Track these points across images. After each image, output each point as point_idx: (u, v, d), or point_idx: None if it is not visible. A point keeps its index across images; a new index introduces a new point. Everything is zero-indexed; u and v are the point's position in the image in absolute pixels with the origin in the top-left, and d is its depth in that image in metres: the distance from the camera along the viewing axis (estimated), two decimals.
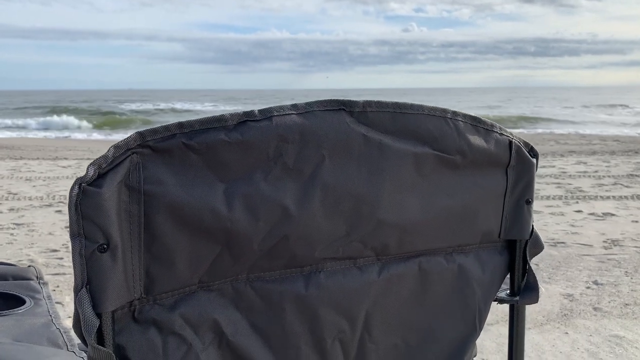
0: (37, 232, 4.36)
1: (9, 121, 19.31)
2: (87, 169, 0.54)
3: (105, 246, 0.55)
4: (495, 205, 0.80)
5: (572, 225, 4.56)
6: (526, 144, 0.81)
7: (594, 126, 16.62)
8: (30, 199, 5.61)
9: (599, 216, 4.87)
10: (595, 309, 2.88)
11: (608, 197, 5.65)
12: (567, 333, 2.58)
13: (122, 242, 0.56)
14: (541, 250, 0.83)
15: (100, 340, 0.56)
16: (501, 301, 0.84)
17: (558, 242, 4.04)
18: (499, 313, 2.71)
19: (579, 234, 4.29)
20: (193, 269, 0.62)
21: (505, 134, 0.78)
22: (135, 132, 0.57)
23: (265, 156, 0.62)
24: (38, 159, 8.77)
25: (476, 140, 0.75)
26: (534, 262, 3.61)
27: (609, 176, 6.87)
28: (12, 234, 4.27)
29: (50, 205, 5.29)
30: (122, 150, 0.56)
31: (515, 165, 0.79)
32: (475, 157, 0.75)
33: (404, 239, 0.73)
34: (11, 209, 5.10)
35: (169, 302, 0.62)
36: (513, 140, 0.79)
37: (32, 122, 18.34)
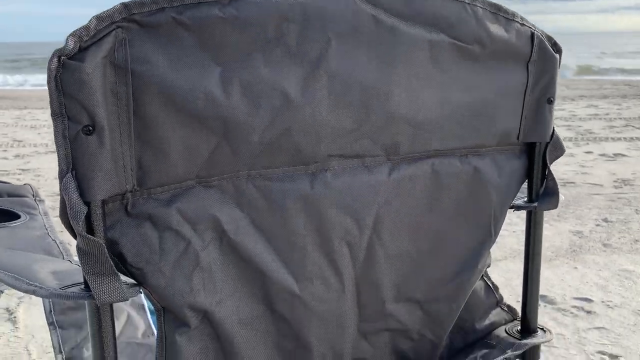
0: (43, 177, 4.36)
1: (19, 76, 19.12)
2: (67, 40, 0.49)
3: (90, 128, 0.50)
4: (514, 104, 0.74)
5: (582, 166, 4.50)
6: (549, 38, 0.74)
7: (606, 72, 16.26)
8: (35, 145, 5.59)
9: (609, 157, 4.80)
10: (604, 245, 2.85)
11: (619, 139, 5.56)
12: (576, 268, 2.56)
13: (109, 126, 0.51)
14: (562, 154, 0.78)
15: (90, 232, 0.52)
16: (518, 208, 0.79)
17: (567, 182, 3.99)
18: (506, 249, 2.69)
19: (589, 174, 4.23)
20: (189, 162, 0.57)
21: (527, 24, 0.72)
22: (120, 4, 0.51)
23: (264, 36, 0.56)
24: (42, 108, 8.70)
25: (496, 29, 0.69)
26: None
27: (620, 118, 6.74)
28: (18, 179, 4.26)
29: (55, 152, 5.26)
30: (105, 23, 0.50)
31: (537, 60, 0.73)
32: (495, 49, 0.69)
33: (417, 136, 0.68)
34: (17, 156, 5.09)
35: (164, 197, 0.57)
36: (535, 32, 0.72)
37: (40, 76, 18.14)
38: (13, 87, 14.30)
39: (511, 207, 0.79)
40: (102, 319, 0.53)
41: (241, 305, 0.63)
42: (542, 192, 0.78)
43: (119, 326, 0.95)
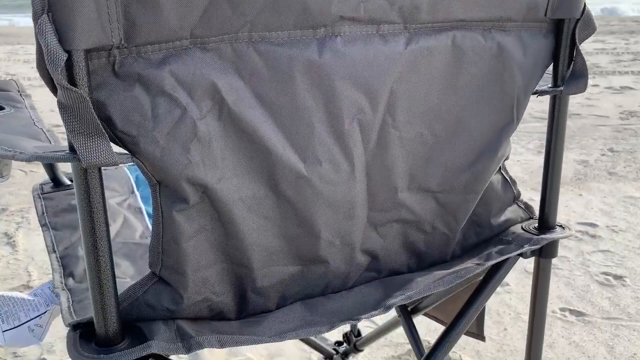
0: (38, 109, 4.25)
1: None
2: None
3: None
4: None
5: (588, 99, 4.40)
6: None
7: (615, 10, 15.78)
8: (29, 79, 5.45)
9: (616, 90, 4.70)
10: (610, 173, 2.81)
11: (626, 72, 5.43)
12: (581, 195, 2.53)
13: None
14: (593, 33, 0.71)
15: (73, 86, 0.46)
16: (542, 93, 0.73)
17: (573, 114, 3.91)
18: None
19: (595, 107, 4.15)
20: (182, 16, 0.50)
21: None
22: None
23: None
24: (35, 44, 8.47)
25: None
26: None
27: (627, 53, 6.57)
28: None
29: None
30: None
31: None
32: None
33: (438, 1, 0.61)
34: None
35: (156, 57, 0.51)
36: None
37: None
38: (2, 25, 13.91)
39: (534, 93, 0.73)
40: (90, 184, 0.48)
41: (244, 185, 0.58)
42: (569, 75, 0.72)
43: (115, 228, 0.91)
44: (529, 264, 1.92)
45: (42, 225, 0.90)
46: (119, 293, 0.54)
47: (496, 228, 0.79)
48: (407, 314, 1.11)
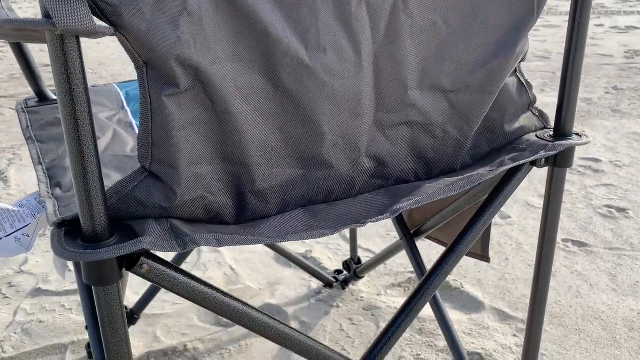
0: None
1: None
2: None
3: None
4: None
5: (592, 38, 4.29)
6: None
7: None
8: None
9: (621, 29, 4.58)
10: (614, 110, 2.76)
11: (632, 12, 5.28)
12: (584, 132, 2.48)
13: None
14: None
15: None
16: None
17: None
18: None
19: (599, 46, 4.05)
20: None
21: None
22: None
23: None
24: None
25: None
26: (551, 71, 3.43)
27: None
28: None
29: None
30: None
31: None
32: None
33: None
34: None
35: None
36: None
37: None
38: None
39: None
40: (68, 58, 0.43)
41: (239, 71, 0.53)
42: None
43: (104, 141, 0.86)
44: (531, 197, 1.89)
45: (27, 139, 0.85)
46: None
47: (509, 135, 0.74)
48: (409, 236, 1.08)
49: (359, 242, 1.60)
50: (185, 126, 0.52)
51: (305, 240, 1.65)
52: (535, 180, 2.02)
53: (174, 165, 0.52)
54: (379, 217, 0.61)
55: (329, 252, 1.59)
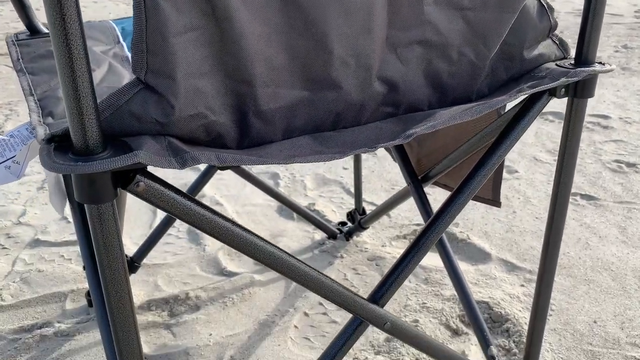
0: None
1: None
2: None
3: None
4: None
5: None
6: None
7: None
8: None
9: None
10: (623, 68, 2.69)
11: None
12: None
13: None
14: None
15: None
16: None
17: None
18: None
19: (610, 5, 3.95)
20: None
21: None
22: None
23: None
24: None
25: None
26: (559, 30, 3.34)
27: None
28: None
29: None
30: None
31: None
32: None
33: None
34: None
35: None
36: None
37: None
38: None
39: None
40: None
41: None
42: None
43: (99, 74, 0.81)
44: (539, 152, 1.85)
45: (17, 71, 0.81)
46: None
47: (528, 63, 0.70)
48: (417, 182, 1.05)
49: (364, 196, 1.57)
50: (183, 32, 0.48)
51: (308, 194, 1.62)
52: (544, 136, 1.98)
53: (171, 76, 0.48)
54: (391, 141, 0.57)
55: (332, 205, 1.56)
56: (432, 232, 0.74)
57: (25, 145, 0.66)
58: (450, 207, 0.74)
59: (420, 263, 1.29)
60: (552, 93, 0.70)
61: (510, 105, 0.74)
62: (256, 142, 0.58)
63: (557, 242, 0.82)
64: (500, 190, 1.00)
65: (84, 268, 0.82)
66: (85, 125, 0.45)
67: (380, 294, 0.72)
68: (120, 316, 0.52)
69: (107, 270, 0.49)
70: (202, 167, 1.36)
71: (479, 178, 0.74)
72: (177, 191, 0.51)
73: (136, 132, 0.50)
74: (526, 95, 0.68)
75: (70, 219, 1.48)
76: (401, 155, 1.06)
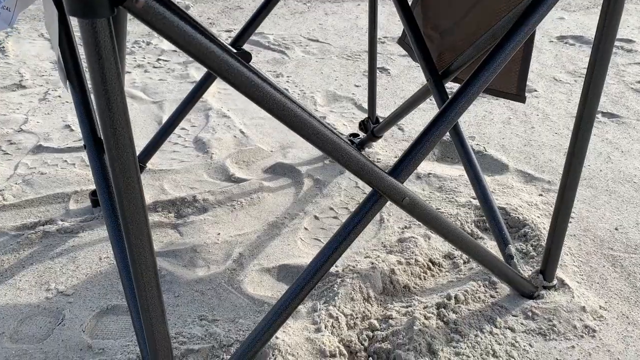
0: None
1: None
2: None
3: None
4: None
5: None
6: None
7: None
8: None
9: None
10: None
11: None
12: None
13: None
14: None
15: None
16: None
17: None
18: None
19: None
20: None
21: None
22: None
23: None
24: None
25: None
26: None
27: None
28: None
29: None
30: None
31: None
32: None
33: None
34: None
35: None
36: None
37: None
38: None
39: None
40: None
41: None
42: None
43: None
44: (558, 73, 1.78)
45: None
46: None
47: None
48: (437, 77, 0.99)
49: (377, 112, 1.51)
50: None
51: (319, 110, 1.56)
52: (564, 58, 1.90)
53: None
54: None
55: (343, 119, 1.51)
56: (449, 113, 0.69)
57: None
58: (469, 89, 0.69)
59: (434, 172, 1.25)
60: None
61: None
62: None
63: (585, 140, 0.77)
64: (526, 85, 0.94)
65: (85, 147, 0.78)
66: None
67: (400, 169, 0.68)
68: (123, 158, 0.47)
69: (103, 99, 0.44)
70: None
71: (499, 59, 0.68)
72: (182, 14, 0.45)
73: None
74: None
75: (74, 127, 1.44)
76: (422, 49, 1.00)
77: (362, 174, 0.63)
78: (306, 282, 0.67)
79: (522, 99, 0.95)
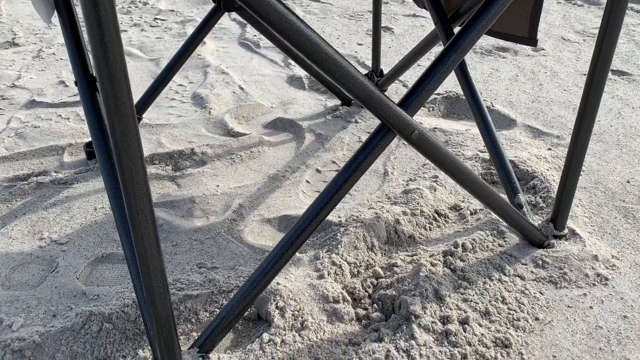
0: None
1: None
2: None
3: None
4: None
5: None
6: None
7: None
8: None
9: None
10: None
11: None
12: None
13: None
14: None
15: None
16: None
17: None
18: None
19: None
20: None
21: None
22: None
23: None
24: None
25: None
26: None
27: None
28: None
29: None
30: None
31: None
32: None
33: None
34: None
35: None
36: None
37: None
38: None
39: None
40: None
41: None
42: None
43: None
44: (567, 33, 1.73)
45: None
46: None
47: None
48: (445, 20, 0.95)
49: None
50: None
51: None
52: (572, 18, 1.85)
53: None
54: None
55: None
56: (463, 40, 0.65)
57: None
58: (480, 20, 0.65)
59: (440, 127, 1.21)
60: None
61: None
62: None
63: (599, 92, 0.73)
64: (538, 28, 0.90)
65: (76, 83, 0.74)
66: None
67: (410, 101, 0.64)
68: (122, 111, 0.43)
69: (96, 30, 0.40)
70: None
71: None
72: None
73: None
74: None
75: (68, 83, 1.40)
76: None
77: (370, 102, 0.59)
78: (312, 219, 0.64)
79: (534, 43, 0.91)
